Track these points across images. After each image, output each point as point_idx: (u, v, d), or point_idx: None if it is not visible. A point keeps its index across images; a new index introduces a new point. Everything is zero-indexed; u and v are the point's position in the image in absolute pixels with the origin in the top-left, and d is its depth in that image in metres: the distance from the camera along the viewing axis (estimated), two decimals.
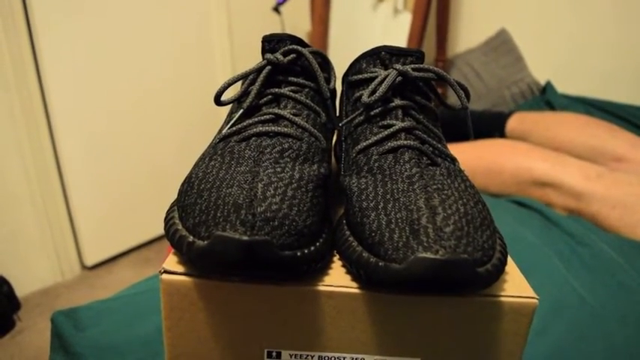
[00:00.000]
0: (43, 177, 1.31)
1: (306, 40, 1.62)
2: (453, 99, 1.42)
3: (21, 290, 1.32)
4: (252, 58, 1.67)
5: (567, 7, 1.37)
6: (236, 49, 1.70)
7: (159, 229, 1.61)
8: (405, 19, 1.37)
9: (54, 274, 1.41)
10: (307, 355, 0.34)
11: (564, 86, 1.37)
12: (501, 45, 1.45)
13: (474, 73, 1.45)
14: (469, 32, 1.57)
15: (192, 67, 1.61)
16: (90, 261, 1.47)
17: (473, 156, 0.95)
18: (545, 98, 1.33)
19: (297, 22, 1.66)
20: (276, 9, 1.43)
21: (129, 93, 1.43)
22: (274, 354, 0.34)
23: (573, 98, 1.30)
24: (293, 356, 0.34)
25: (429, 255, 0.27)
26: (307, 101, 0.39)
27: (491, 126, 1.14)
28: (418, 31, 1.29)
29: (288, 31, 1.52)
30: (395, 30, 1.41)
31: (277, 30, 1.49)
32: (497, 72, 1.43)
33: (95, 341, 0.50)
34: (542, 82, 1.42)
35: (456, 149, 0.97)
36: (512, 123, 1.12)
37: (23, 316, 1.25)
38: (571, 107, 1.23)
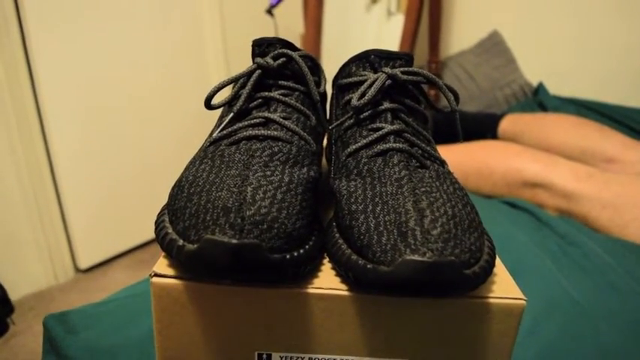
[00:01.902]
0: (36, 180, 1.31)
1: (299, 42, 1.63)
2: (445, 101, 1.42)
3: (15, 294, 1.31)
4: (245, 60, 1.67)
5: (559, 9, 1.38)
6: (229, 52, 1.70)
7: (153, 232, 1.61)
8: (398, 21, 1.37)
9: (48, 278, 1.41)
10: (297, 357, 0.34)
11: (556, 88, 1.38)
12: (493, 47, 1.46)
13: (467, 75, 1.45)
14: (461, 34, 1.57)
15: (186, 70, 1.61)
16: (84, 264, 1.46)
17: (465, 158, 0.96)
18: (538, 99, 1.34)
19: (291, 25, 1.66)
20: (269, 11, 1.43)
21: (123, 96, 1.43)
22: (265, 356, 0.34)
23: (565, 99, 1.31)
24: (283, 358, 0.34)
25: (416, 257, 0.27)
26: (297, 105, 0.40)
27: (483, 127, 1.15)
28: (411, 33, 1.30)
29: (282, 34, 1.53)
30: (388, 32, 1.41)
31: (271, 32, 1.49)
32: (490, 73, 1.43)
33: (87, 344, 0.50)
34: (535, 83, 1.43)
35: (448, 151, 0.98)
36: (505, 124, 1.13)
37: (17, 319, 1.24)
38: (563, 108, 1.24)
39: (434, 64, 1.51)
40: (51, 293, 1.38)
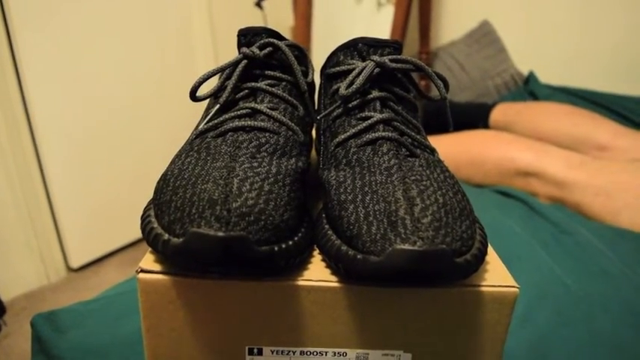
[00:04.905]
0: (25, 179, 1.29)
1: (289, 35, 1.61)
2: (436, 92, 1.42)
3: (6, 294, 1.30)
4: (234, 54, 1.66)
5: None
6: (218, 46, 1.68)
7: None
8: (388, 13, 1.36)
9: (39, 277, 1.39)
10: (289, 351, 0.34)
11: (547, 76, 1.37)
12: (484, 37, 1.45)
13: (458, 65, 1.45)
14: (452, 24, 1.57)
15: (174, 65, 1.59)
16: (75, 263, 1.45)
17: (457, 148, 0.96)
18: (529, 89, 1.34)
19: (280, 18, 1.65)
20: (259, 4, 1.42)
21: (111, 94, 1.42)
22: (255, 351, 0.34)
23: (556, 88, 1.31)
24: (274, 352, 0.34)
25: (406, 246, 0.27)
26: (284, 95, 0.39)
27: (475, 117, 1.14)
28: (401, 24, 1.29)
29: (271, 27, 1.51)
30: (378, 23, 1.40)
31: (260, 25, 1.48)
32: (481, 63, 1.43)
33: (76, 343, 0.49)
34: (525, 72, 1.42)
35: (439, 141, 0.98)
36: (496, 114, 1.13)
37: (9, 320, 1.23)
38: (554, 97, 1.24)
39: (424, 55, 1.50)
40: (43, 293, 1.37)
